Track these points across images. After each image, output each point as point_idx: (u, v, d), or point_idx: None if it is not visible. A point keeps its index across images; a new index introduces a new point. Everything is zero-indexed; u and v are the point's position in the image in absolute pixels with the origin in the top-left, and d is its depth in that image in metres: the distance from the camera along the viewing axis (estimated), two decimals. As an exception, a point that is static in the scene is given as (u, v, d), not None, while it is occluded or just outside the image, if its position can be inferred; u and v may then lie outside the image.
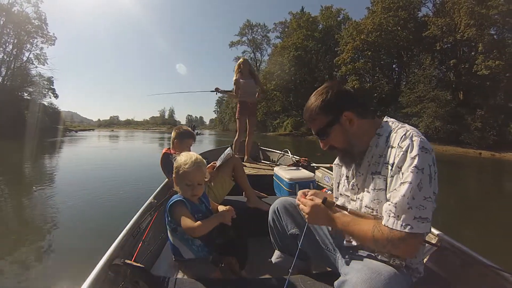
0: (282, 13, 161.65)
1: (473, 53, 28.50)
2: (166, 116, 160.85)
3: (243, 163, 4.85)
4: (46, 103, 42.67)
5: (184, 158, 1.61)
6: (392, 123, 1.28)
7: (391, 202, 1.09)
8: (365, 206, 1.26)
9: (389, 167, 1.15)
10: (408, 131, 1.16)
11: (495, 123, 24.01)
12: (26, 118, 34.29)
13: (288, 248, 1.72)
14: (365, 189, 1.27)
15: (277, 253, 1.82)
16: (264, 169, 4.67)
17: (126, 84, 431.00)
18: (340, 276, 1.21)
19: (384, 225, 1.09)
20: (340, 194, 1.48)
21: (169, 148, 2.79)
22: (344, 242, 1.38)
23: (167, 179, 2.76)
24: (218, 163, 2.76)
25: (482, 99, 26.50)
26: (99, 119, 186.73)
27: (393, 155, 1.15)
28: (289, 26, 55.37)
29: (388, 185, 1.16)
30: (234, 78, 5.44)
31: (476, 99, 27.08)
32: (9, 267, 3.23)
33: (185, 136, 2.77)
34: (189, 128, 2.89)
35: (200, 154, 1.71)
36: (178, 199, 1.58)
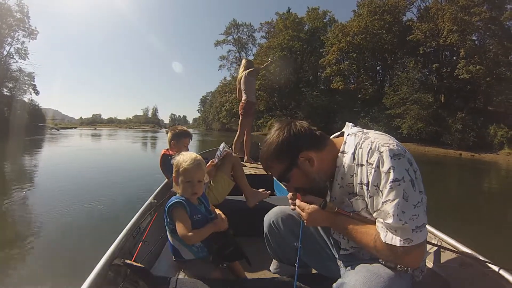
0: (268, 14, 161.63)
1: (455, 57, 29.74)
2: (149, 114, 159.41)
3: (243, 163, 4.75)
4: (26, 100, 41.29)
5: (183, 157, 1.61)
6: (355, 135, 1.18)
7: (381, 222, 1.03)
8: None
9: (364, 187, 1.09)
10: (373, 142, 1.08)
11: (475, 125, 25.04)
12: (5, 115, 32.90)
13: (288, 259, 1.66)
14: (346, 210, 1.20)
15: (275, 263, 1.78)
16: None
17: (110, 82, 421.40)
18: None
19: (383, 241, 1.03)
20: None
21: (167, 149, 2.79)
22: (341, 251, 1.33)
23: (166, 180, 2.79)
24: (216, 160, 2.74)
25: (462, 102, 27.61)
26: (81, 117, 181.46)
27: (365, 174, 1.08)
28: (275, 27, 55.55)
29: (369, 205, 1.09)
30: (244, 76, 5.29)
31: (457, 102, 28.16)
32: (6, 268, 3.17)
33: (181, 135, 2.77)
34: (184, 127, 2.91)
35: (199, 154, 1.71)
36: (177, 200, 1.56)
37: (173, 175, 1.62)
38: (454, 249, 1.52)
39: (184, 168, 1.56)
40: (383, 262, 1.11)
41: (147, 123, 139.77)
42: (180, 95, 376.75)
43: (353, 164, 1.13)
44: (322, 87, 44.95)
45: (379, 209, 1.04)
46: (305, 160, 1.18)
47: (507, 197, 9.24)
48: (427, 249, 1.59)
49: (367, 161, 1.07)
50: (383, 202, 1.01)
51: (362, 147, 1.10)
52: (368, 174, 1.06)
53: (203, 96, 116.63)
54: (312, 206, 1.21)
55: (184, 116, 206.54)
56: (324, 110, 39.36)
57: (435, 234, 1.69)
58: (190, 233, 1.48)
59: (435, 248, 1.64)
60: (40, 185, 7.31)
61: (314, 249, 1.49)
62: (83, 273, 1.33)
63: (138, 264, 1.47)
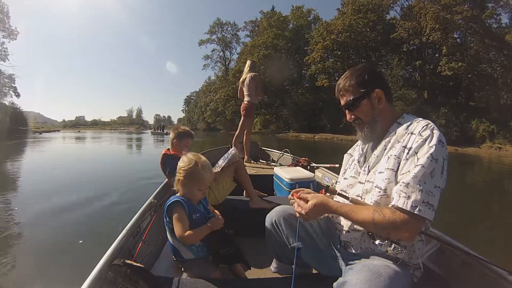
0: (253, 12, 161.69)
1: (437, 55, 30.42)
2: (134, 116, 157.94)
3: (244, 163, 4.74)
4: (7, 103, 39.39)
5: (201, 164, 1.60)
6: (413, 116, 1.34)
7: (403, 182, 1.12)
8: (375, 186, 1.27)
9: (406, 150, 1.18)
10: (430, 123, 1.21)
11: (458, 120, 25.70)
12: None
13: (288, 258, 1.69)
14: (377, 171, 1.29)
15: (276, 262, 1.84)
16: (264, 169, 4.70)
17: (93, 83, 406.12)
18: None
19: (394, 205, 1.11)
20: (345, 178, 1.52)
21: (168, 149, 2.78)
22: (340, 236, 1.40)
23: (166, 179, 2.78)
24: (221, 162, 2.78)
25: (445, 98, 28.30)
26: (64, 120, 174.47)
27: (412, 140, 1.18)
28: (260, 25, 55.53)
29: (401, 166, 1.18)
30: (248, 78, 5.25)
31: (440, 98, 28.81)
32: (5, 269, 3.12)
33: (184, 136, 2.77)
34: (187, 128, 2.91)
35: (201, 154, 1.72)
36: (175, 199, 1.57)
37: (181, 177, 1.59)
38: (454, 249, 1.54)
39: (202, 177, 1.58)
40: (380, 248, 1.21)
41: (132, 124, 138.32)
42: (164, 95, 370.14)
43: (405, 132, 1.25)
44: (307, 85, 45.39)
45: (408, 171, 1.13)
46: (377, 97, 1.34)
47: (493, 188, 9.48)
48: (427, 249, 1.66)
49: (419, 132, 1.18)
50: (415, 165, 1.12)
51: (419, 122, 1.24)
52: (415, 141, 1.17)
53: (187, 96, 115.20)
54: (311, 197, 1.32)
55: (169, 117, 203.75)
56: (309, 108, 39.62)
57: (435, 234, 1.64)
58: (186, 233, 1.49)
59: (435, 248, 1.67)
60: (30, 191, 6.92)
61: (315, 249, 1.52)
62: (83, 273, 1.31)
63: (138, 264, 1.48)
